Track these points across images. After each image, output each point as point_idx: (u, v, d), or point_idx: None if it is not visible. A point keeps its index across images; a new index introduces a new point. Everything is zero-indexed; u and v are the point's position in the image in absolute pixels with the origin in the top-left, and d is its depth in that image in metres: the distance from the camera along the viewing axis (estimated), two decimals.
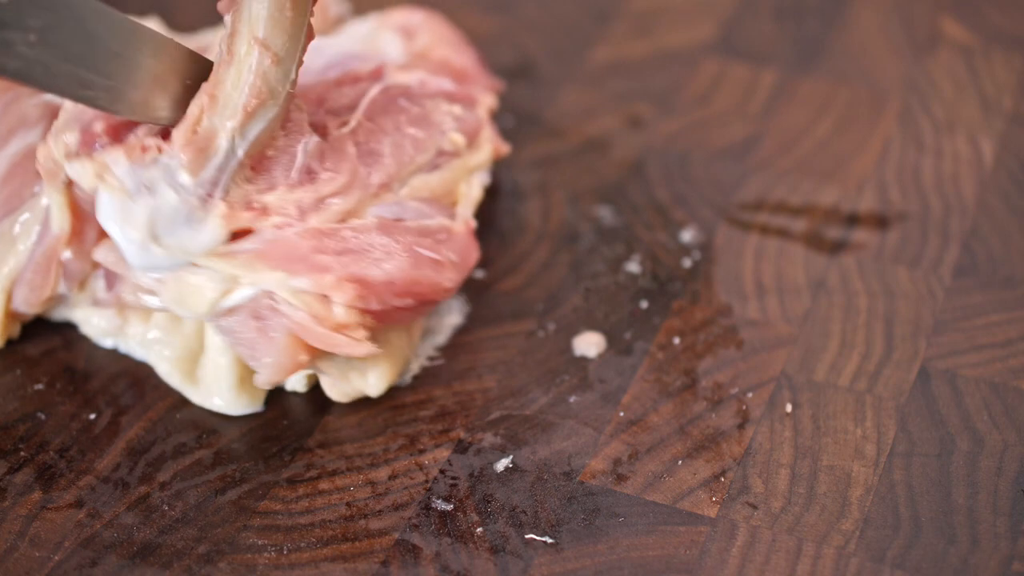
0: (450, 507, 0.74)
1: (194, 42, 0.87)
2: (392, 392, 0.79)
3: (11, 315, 0.80)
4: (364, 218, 0.77)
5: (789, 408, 0.78)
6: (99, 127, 0.74)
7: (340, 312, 0.73)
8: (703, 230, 0.87)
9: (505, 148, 0.85)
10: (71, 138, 0.74)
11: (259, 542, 0.72)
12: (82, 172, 0.73)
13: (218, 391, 0.78)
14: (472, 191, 0.82)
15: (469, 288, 0.84)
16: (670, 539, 0.72)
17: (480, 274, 0.85)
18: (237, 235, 0.74)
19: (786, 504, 0.74)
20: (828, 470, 0.75)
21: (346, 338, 0.73)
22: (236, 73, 0.73)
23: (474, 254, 0.80)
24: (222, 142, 0.72)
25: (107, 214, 0.73)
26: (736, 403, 0.78)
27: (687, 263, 0.85)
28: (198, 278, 0.74)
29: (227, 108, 0.73)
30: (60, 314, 0.82)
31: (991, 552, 0.71)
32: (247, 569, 0.71)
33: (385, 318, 0.76)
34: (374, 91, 0.81)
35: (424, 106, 0.82)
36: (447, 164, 0.81)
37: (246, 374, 0.78)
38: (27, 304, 0.79)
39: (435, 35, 0.87)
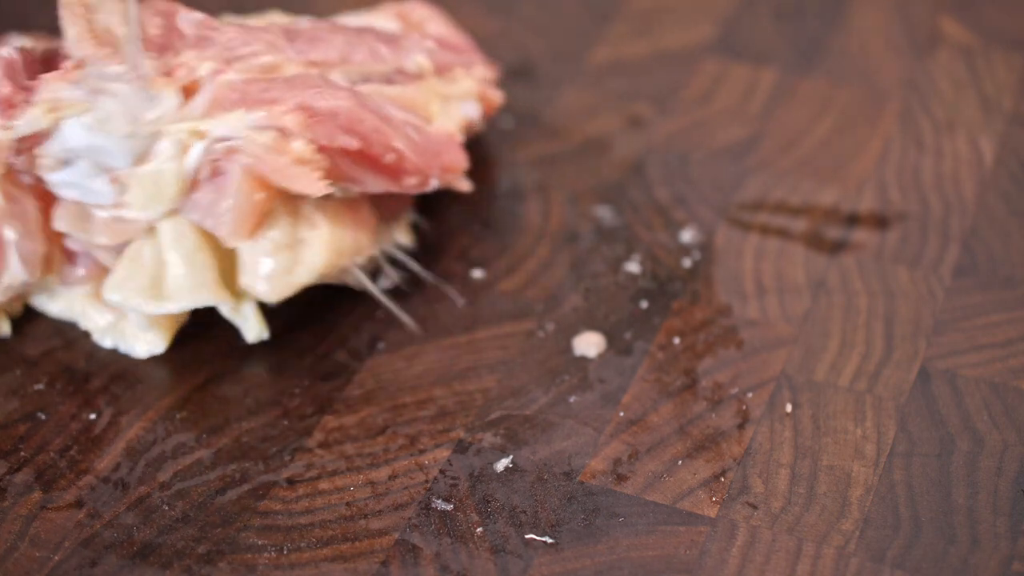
0: (450, 507, 0.74)
1: None
2: (392, 392, 0.79)
3: None
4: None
5: (789, 408, 0.78)
6: (5, 89, 0.78)
7: (299, 146, 0.76)
8: (703, 230, 0.87)
9: (497, 97, 0.87)
10: None
11: (259, 542, 0.72)
12: (36, 119, 0.76)
13: (178, 292, 0.78)
14: (451, 114, 0.85)
15: (469, 288, 0.84)
16: (670, 539, 0.72)
17: (480, 274, 0.85)
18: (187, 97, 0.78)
19: (786, 504, 0.73)
20: (828, 470, 0.75)
21: (303, 171, 0.76)
22: None
23: (455, 153, 0.83)
24: (118, 29, 0.77)
25: (81, 136, 0.76)
26: (736, 403, 0.78)
27: (687, 263, 0.85)
28: (151, 165, 0.76)
29: (104, 4, 0.77)
30: (62, 312, 0.82)
31: (991, 552, 0.71)
32: (247, 569, 0.71)
33: (338, 174, 0.78)
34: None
35: (398, 38, 0.85)
36: (409, 83, 0.84)
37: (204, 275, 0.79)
38: None
39: (432, 16, 0.89)
